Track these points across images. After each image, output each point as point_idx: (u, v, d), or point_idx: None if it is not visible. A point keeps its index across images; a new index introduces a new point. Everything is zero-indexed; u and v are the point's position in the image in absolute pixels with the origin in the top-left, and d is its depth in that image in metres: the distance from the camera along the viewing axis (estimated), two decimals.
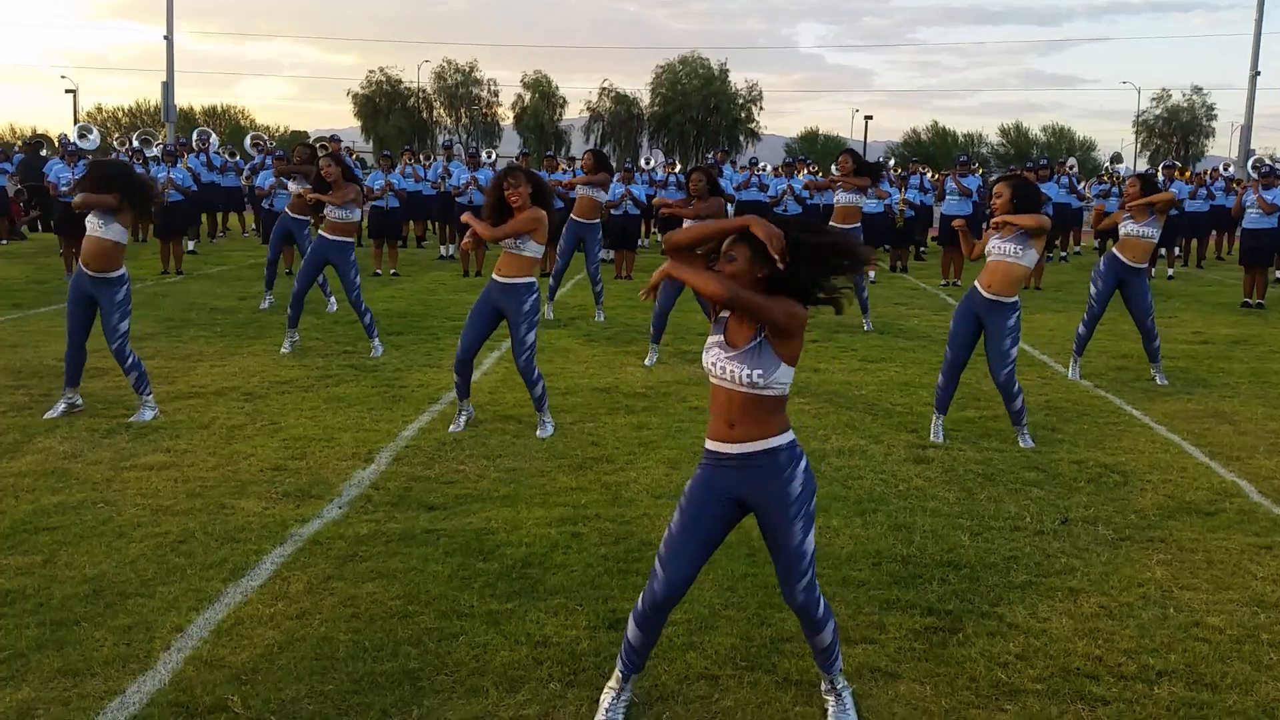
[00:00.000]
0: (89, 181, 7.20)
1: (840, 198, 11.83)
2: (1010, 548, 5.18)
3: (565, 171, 19.96)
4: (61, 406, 7.37)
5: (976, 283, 7.07)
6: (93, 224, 7.12)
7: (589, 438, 7.02)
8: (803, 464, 3.44)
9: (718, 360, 3.39)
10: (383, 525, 5.31)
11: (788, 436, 3.43)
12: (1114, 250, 9.28)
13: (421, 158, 23.94)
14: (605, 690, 3.62)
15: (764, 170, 23.10)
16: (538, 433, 7.07)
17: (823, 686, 3.71)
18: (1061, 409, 8.16)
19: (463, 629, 4.18)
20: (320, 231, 9.95)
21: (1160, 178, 19.74)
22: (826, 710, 3.64)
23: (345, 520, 5.38)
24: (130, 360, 7.26)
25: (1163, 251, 18.61)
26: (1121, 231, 9.16)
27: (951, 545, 5.19)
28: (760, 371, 3.31)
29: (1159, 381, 9.16)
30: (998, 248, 6.95)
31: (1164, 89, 71.91)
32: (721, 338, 3.42)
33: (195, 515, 5.41)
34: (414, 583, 4.61)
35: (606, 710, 3.56)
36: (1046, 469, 6.53)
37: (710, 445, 3.47)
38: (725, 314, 3.46)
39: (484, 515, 5.48)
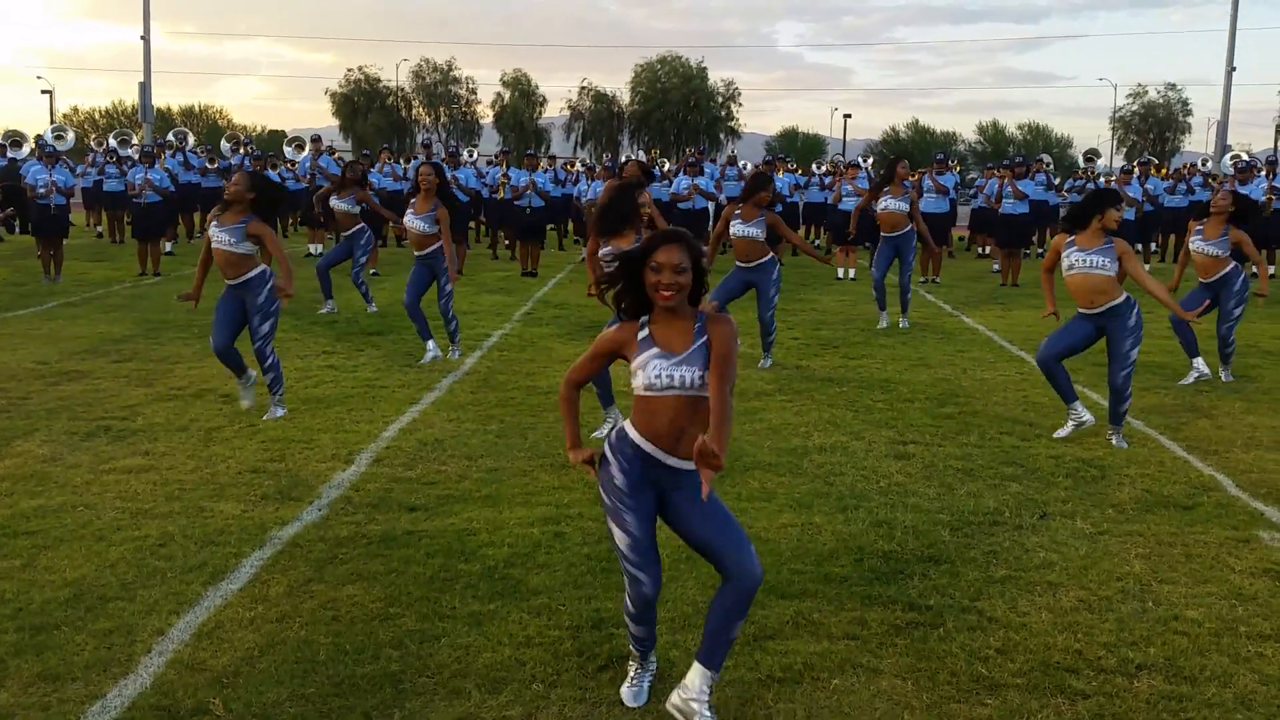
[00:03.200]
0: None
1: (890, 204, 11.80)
2: (990, 542, 5.21)
3: (547, 170, 19.90)
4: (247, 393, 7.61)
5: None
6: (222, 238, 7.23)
7: None
8: None
9: (661, 372, 3.38)
10: (363, 527, 5.29)
11: None
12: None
13: (401, 159, 23.85)
14: (630, 667, 3.77)
15: (744, 167, 23.11)
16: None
17: (689, 693, 3.51)
18: (1039, 404, 8.20)
19: (444, 631, 4.17)
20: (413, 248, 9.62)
21: (1136, 172, 19.89)
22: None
23: (325, 522, 5.36)
24: (270, 360, 7.41)
25: (1139, 246, 18.71)
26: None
27: (932, 541, 5.21)
28: (704, 374, 3.38)
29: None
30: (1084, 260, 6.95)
31: (1140, 85, 72.22)
32: (655, 349, 3.41)
33: (174, 518, 5.38)
34: (395, 585, 4.59)
35: (632, 679, 3.72)
36: (1025, 464, 6.57)
37: (646, 448, 3.47)
38: (645, 324, 3.48)
39: (465, 516, 5.47)
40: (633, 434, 3.49)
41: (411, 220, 9.41)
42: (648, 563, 3.47)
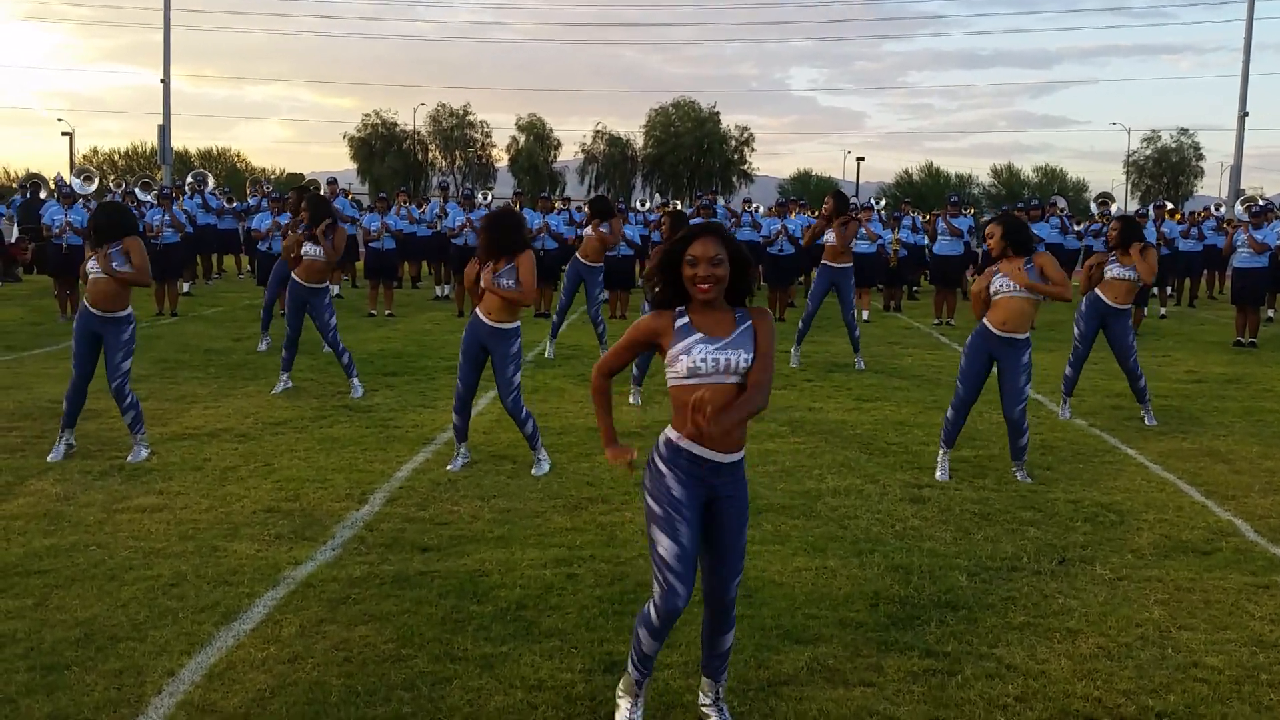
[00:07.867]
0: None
1: (830, 238, 11.88)
2: (1008, 588, 5.16)
3: (561, 211, 19.99)
4: (61, 449, 7.34)
5: (988, 321, 7.09)
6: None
7: (584, 478, 7.00)
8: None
9: (706, 355, 3.36)
10: (376, 567, 5.27)
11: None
12: (1096, 291, 9.27)
13: (417, 202, 24.00)
14: (621, 699, 3.73)
15: (757, 211, 23.20)
16: (533, 470, 7.07)
17: (703, 699, 3.75)
18: (1057, 448, 8.16)
19: (456, 673, 4.14)
20: (294, 276, 9.82)
21: (1151, 216, 19.87)
22: None
23: (338, 562, 5.35)
24: (129, 399, 7.26)
25: (1155, 290, 18.66)
26: (1106, 274, 9.17)
27: (949, 586, 5.16)
28: (749, 356, 3.40)
29: (1148, 422, 9.15)
30: (1005, 285, 6.99)
31: (1154, 130, 72.58)
32: (698, 335, 3.41)
33: (187, 558, 5.37)
34: (407, 626, 4.57)
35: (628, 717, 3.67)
36: (1043, 508, 6.52)
37: (691, 449, 3.45)
38: (683, 313, 3.47)
39: (478, 557, 5.45)
40: (678, 440, 3.47)
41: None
42: (689, 573, 3.45)
